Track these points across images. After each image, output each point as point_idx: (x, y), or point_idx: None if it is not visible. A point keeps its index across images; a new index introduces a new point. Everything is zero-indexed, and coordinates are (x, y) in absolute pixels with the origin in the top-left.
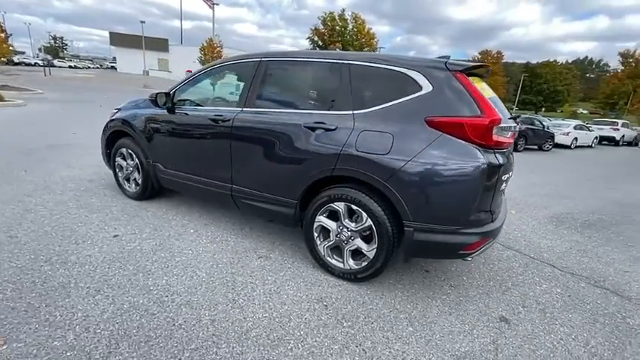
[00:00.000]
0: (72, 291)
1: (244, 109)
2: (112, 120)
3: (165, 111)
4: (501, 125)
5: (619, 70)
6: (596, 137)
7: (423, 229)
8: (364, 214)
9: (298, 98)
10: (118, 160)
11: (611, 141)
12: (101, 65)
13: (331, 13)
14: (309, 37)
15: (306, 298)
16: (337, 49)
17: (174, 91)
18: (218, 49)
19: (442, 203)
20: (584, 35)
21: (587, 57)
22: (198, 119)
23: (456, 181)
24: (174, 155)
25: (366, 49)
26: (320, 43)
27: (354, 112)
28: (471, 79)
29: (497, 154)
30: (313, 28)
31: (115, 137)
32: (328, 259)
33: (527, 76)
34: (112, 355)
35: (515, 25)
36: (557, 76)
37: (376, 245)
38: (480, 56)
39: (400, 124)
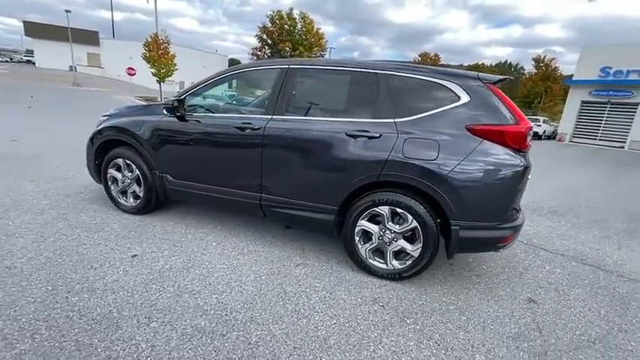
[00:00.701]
0: (120, 321)
1: (274, 116)
2: (105, 128)
3: (175, 118)
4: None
5: (533, 73)
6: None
7: (468, 226)
8: (409, 217)
9: (334, 106)
10: (112, 172)
11: (535, 135)
12: (11, 59)
13: (279, 11)
14: (257, 35)
15: (362, 300)
16: (287, 49)
17: (185, 97)
18: (165, 45)
19: (485, 203)
20: (503, 41)
21: (507, 61)
22: (219, 127)
23: (497, 183)
24: (188, 165)
25: (315, 49)
26: (269, 41)
27: (396, 120)
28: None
29: (527, 157)
30: (262, 26)
31: (106, 147)
32: (370, 261)
33: None
34: None
35: (447, 30)
36: None
37: (421, 245)
38: (419, 58)
39: (443, 132)
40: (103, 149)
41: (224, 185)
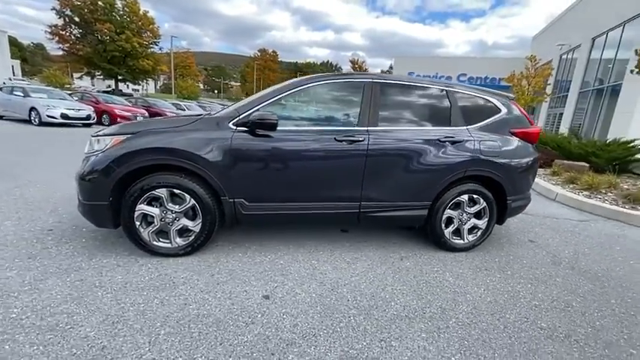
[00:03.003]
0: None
1: (371, 128)
2: (138, 151)
3: (249, 134)
4: None
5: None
6: None
7: (514, 199)
8: (482, 200)
9: (417, 117)
10: (143, 208)
11: None
12: None
13: None
14: (54, 9)
15: (467, 266)
16: (106, 31)
17: (254, 111)
18: None
19: (523, 182)
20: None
21: (328, 61)
22: (317, 141)
23: (530, 167)
24: (272, 185)
25: (146, 36)
26: (77, 19)
27: (468, 127)
28: None
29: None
30: None
31: (132, 177)
32: (454, 239)
33: (300, 74)
34: None
35: (274, 27)
36: None
37: (488, 219)
38: (259, 53)
39: (499, 135)
40: (125, 180)
41: (317, 200)
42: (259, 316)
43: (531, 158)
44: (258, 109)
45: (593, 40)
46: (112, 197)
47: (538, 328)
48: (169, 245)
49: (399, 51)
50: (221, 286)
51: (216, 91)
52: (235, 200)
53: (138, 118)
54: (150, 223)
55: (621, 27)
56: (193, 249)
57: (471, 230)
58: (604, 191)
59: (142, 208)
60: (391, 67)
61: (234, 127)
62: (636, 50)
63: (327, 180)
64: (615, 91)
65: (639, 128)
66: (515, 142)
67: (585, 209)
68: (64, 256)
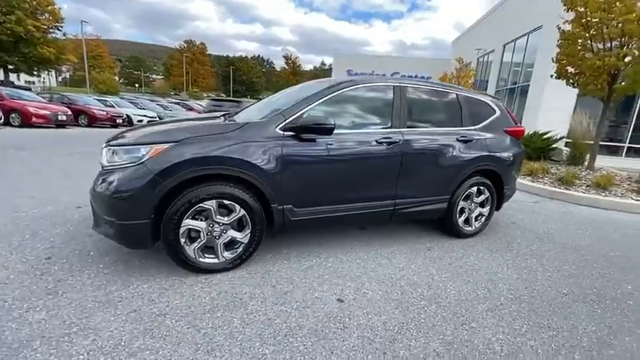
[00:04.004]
0: None
1: (402, 129)
2: (185, 162)
3: (295, 139)
4: None
5: (285, 69)
6: None
7: (508, 188)
8: (486, 190)
9: (437, 118)
10: (189, 223)
11: None
12: None
13: None
14: None
15: (479, 247)
16: None
17: (299, 115)
18: None
19: (514, 173)
20: (249, 37)
21: (259, 55)
22: (359, 144)
23: (519, 160)
24: (318, 189)
25: (44, 17)
26: None
27: (475, 126)
28: None
29: None
30: None
31: (176, 190)
32: (465, 227)
33: (234, 69)
34: None
35: (198, 18)
36: (251, 70)
37: (489, 206)
38: (185, 45)
39: (497, 133)
40: (169, 196)
41: (358, 200)
42: (347, 319)
43: (520, 152)
44: (303, 114)
45: (504, 46)
46: (155, 214)
47: (562, 294)
48: (216, 260)
49: (329, 48)
50: (289, 295)
51: (136, 85)
52: (284, 207)
53: (60, 117)
54: (194, 239)
55: (526, 36)
56: (241, 261)
57: (476, 218)
58: (541, 176)
59: (188, 222)
60: (323, 64)
61: (282, 132)
62: (553, 58)
63: (368, 181)
64: (524, 91)
65: (544, 122)
66: (508, 139)
67: (533, 192)
68: (92, 287)
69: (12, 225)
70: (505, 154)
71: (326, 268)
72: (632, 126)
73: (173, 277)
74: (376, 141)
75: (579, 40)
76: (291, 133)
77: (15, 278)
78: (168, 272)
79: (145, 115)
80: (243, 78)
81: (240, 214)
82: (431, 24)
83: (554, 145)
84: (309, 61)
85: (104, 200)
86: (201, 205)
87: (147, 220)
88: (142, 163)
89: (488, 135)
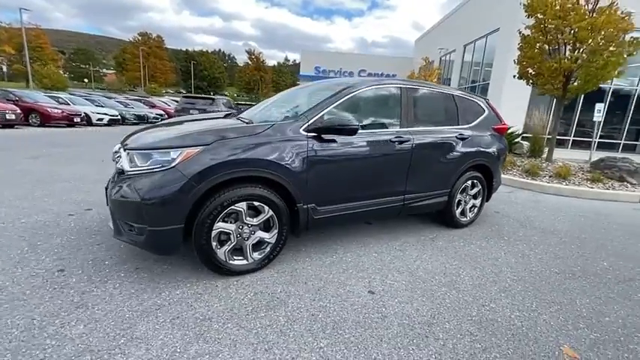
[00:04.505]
0: None
1: (410, 128)
2: (221, 164)
3: (317, 139)
4: None
5: (248, 64)
6: None
7: (495, 181)
8: (479, 183)
9: (436, 117)
10: (221, 226)
11: None
12: None
13: None
14: None
15: (477, 234)
16: None
17: (320, 117)
18: None
19: (500, 166)
20: (208, 30)
21: (220, 49)
22: (376, 143)
23: (504, 155)
24: (338, 188)
25: None
26: None
27: (469, 125)
28: None
29: None
30: None
31: (207, 194)
32: (461, 218)
33: (194, 63)
34: None
35: (151, 9)
36: (213, 65)
37: (481, 198)
38: (139, 38)
39: (487, 131)
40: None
41: (373, 197)
42: (383, 309)
43: (504, 147)
44: (323, 115)
45: (465, 46)
46: (188, 218)
47: (555, 273)
48: (245, 262)
49: (292, 44)
50: (323, 291)
51: (85, 80)
52: (308, 206)
53: (8, 115)
54: (224, 241)
55: (485, 38)
56: (269, 261)
57: (470, 209)
58: (510, 168)
59: (220, 225)
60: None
61: (306, 133)
62: (514, 60)
63: (382, 178)
64: (484, 89)
65: (504, 119)
66: (496, 136)
67: (506, 183)
68: (121, 297)
69: (3, 237)
70: (494, 150)
71: (347, 263)
72: (575, 122)
73: (203, 282)
74: (390, 140)
75: (538, 44)
76: (313, 133)
77: (32, 294)
78: (197, 277)
79: (106, 114)
80: (204, 73)
81: (268, 215)
82: (390, 22)
83: (515, 140)
84: (272, 57)
85: (132, 207)
86: (232, 207)
87: (180, 224)
88: (174, 167)
89: (480, 132)
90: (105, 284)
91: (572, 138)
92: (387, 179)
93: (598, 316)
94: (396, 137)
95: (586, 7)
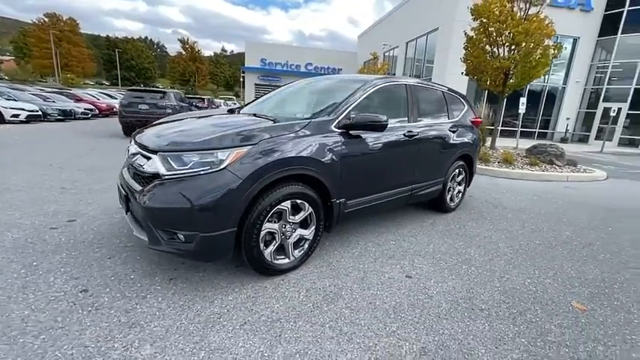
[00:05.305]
0: None
1: (416, 122)
2: (277, 162)
3: (340, 136)
4: None
5: (181, 54)
6: None
7: (474, 168)
8: (463, 171)
9: (431, 112)
10: (269, 226)
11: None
12: None
13: None
14: None
15: (470, 213)
16: None
17: (347, 114)
18: None
19: (477, 155)
20: (131, 15)
21: (147, 37)
22: (390, 138)
23: (479, 144)
24: (363, 182)
25: None
26: None
27: (455, 118)
28: None
29: None
30: None
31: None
32: (450, 203)
33: (119, 51)
34: None
35: None
36: (141, 54)
37: (465, 184)
38: (46, 20)
39: (467, 124)
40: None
41: (390, 188)
42: (427, 290)
43: (478, 138)
44: (350, 112)
45: (407, 43)
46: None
47: (537, 245)
48: (287, 260)
49: (228, 34)
50: (367, 280)
51: None
52: (340, 201)
53: None
54: (269, 242)
55: (426, 36)
56: (307, 257)
57: (456, 195)
58: None
59: (267, 226)
60: (224, 50)
61: (337, 130)
62: (461, 58)
63: (397, 170)
64: None
65: None
66: (474, 128)
67: None
68: (173, 311)
69: None
70: (474, 140)
71: (373, 253)
72: (502, 114)
73: (249, 285)
74: (403, 134)
75: (480, 45)
76: (343, 130)
77: (65, 320)
78: (240, 281)
79: (22, 109)
80: (132, 63)
81: (308, 212)
82: (326, 16)
83: None
84: (206, 47)
85: (179, 213)
86: (279, 206)
87: (234, 228)
88: (224, 168)
89: (464, 125)
90: (145, 299)
91: (500, 128)
92: (401, 171)
93: (583, 275)
94: (408, 131)
95: (520, 14)
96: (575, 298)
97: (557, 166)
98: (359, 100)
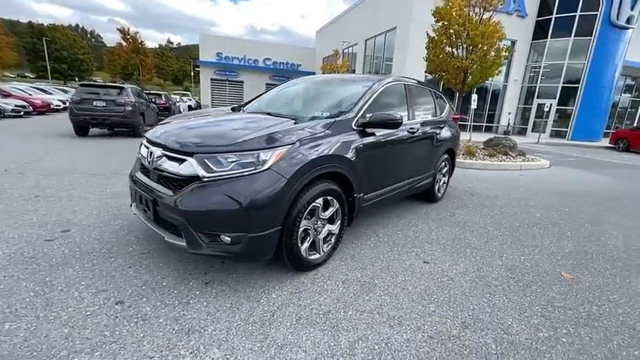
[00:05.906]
0: None
1: (414, 120)
2: (308, 163)
3: (358, 135)
4: None
5: (122, 45)
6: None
7: (455, 160)
8: (448, 163)
9: (426, 110)
10: (304, 223)
11: (190, 109)
12: None
13: None
14: None
15: (454, 204)
16: None
17: (364, 112)
18: None
19: (458, 149)
20: (58, 0)
21: (79, 25)
22: (396, 134)
23: (459, 138)
24: (375, 176)
25: None
26: None
27: (442, 115)
28: None
29: None
30: None
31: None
32: (438, 194)
33: (47, 40)
34: None
35: None
36: (74, 44)
37: (448, 176)
38: None
39: (450, 120)
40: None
41: (396, 182)
42: (446, 273)
43: (458, 133)
44: (365, 110)
45: (366, 41)
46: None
47: (517, 226)
48: (318, 255)
49: (172, 24)
50: (393, 268)
51: None
52: (360, 195)
53: None
54: (303, 238)
55: (384, 34)
56: (333, 251)
57: (442, 185)
58: None
59: (304, 223)
60: (169, 42)
61: (356, 128)
62: (424, 57)
63: (403, 164)
64: None
65: None
66: (455, 125)
67: None
68: (223, 314)
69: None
70: (456, 135)
71: (387, 243)
72: (460, 110)
73: (288, 281)
74: (407, 130)
75: (441, 45)
76: (360, 128)
77: (115, 333)
78: (277, 278)
79: None
80: (62, 54)
81: (335, 208)
82: (277, 10)
83: None
84: (149, 38)
85: (226, 215)
86: (313, 203)
87: (279, 226)
88: (269, 168)
89: (448, 121)
90: (189, 305)
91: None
92: (405, 165)
93: (561, 249)
94: (410, 128)
95: (475, 18)
96: (563, 269)
97: (511, 156)
98: (372, 99)
